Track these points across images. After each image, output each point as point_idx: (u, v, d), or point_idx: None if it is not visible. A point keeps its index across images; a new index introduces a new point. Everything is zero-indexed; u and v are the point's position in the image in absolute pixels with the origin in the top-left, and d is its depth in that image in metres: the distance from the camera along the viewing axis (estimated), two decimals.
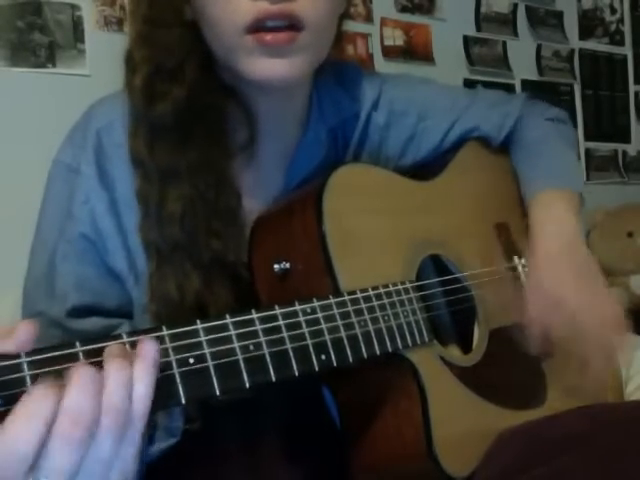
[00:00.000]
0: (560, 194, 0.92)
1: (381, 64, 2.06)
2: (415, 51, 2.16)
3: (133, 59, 0.73)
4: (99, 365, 0.49)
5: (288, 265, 0.73)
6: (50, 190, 0.79)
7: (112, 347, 0.50)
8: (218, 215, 0.74)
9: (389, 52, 2.11)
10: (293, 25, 0.69)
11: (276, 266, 0.73)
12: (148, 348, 0.50)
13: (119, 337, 0.52)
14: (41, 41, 1.54)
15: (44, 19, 1.54)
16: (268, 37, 0.69)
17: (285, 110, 0.82)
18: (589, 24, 2.64)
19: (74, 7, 1.58)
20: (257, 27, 0.69)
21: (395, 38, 2.13)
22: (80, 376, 0.46)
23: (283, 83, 0.73)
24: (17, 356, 0.46)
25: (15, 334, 0.48)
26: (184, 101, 0.72)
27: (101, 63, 1.53)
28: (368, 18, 2.07)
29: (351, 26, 2.25)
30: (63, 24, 1.56)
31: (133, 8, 0.75)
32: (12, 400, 0.44)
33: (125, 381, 0.48)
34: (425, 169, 0.95)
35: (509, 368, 0.87)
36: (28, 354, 0.46)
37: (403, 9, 2.15)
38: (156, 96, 0.72)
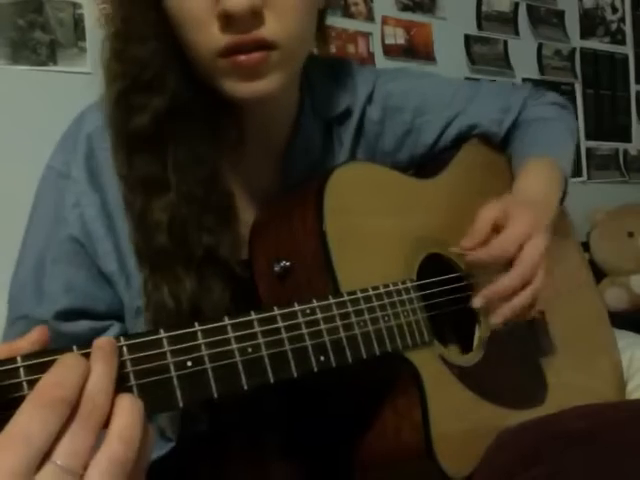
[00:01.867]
0: (546, 162, 0.93)
1: (382, 63, 2.06)
2: (416, 50, 2.16)
3: (106, 75, 0.73)
4: None
5: (288, 264, 0.73)
6: (40, 195, 0.79)
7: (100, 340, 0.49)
8: (209, 211, 0.74)
9: (390, 51, 2.11)
10: (265, 45, 0.69)
11: (276, 265, 0.73)
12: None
13: (116, 341, 0.51)
14: (42, 39, 1.53)
15: (45, 17, 1.54)
16: (242, 58, 0.68)
17: (273, 110, 0.81)
18: (590, 23, 2.63)
19: (75, 5, 1.58)
20: (230, 52, 0.68)
21: (396, 37, 2.13)
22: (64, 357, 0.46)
23: (263, 99, 0.72)
24: (14, 361, 0.46)
25: (29, 336, 0.48)
26: (165, 109, 0.72)
27: None
28: (369, 17, 2.07)
29: (352, 25, 2.24)
30: (64, 22, 1.56)
31: (107, 25, 0.74)
32: (9, 406, 0.44)
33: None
34: (426, 167, 0.95)
35: (509, 368, 0.87)
36: (24, 358, 0.46)
37: (404, 8, 2.15)
38: (132, 109, 0.71)
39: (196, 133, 0.74)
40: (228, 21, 0.67)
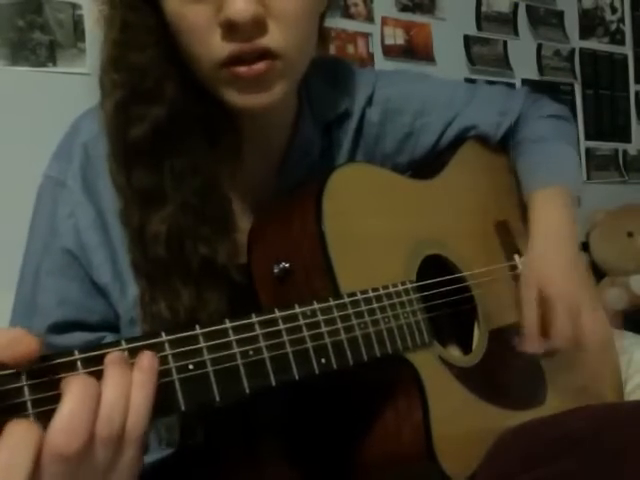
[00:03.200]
0: (557, 191, 0.93)
1: (382, 63, 2.06)
2: (416, 50, 2.16)
3: (104, 85, 0.72)
4: (98, 374, 0.48)
5: (288, 266, 0.72)
6: (38, 205, 0.79)
7: (113, 354, 0.50)
8: (206, 221, 0.73)
9: (390, 51, 2.11)
10: (267, 54, 0.68)
11: (275, 267, 0.73)
12: (147, 360, 0.50)
13: (118, 344, 0.51)
14: (41, 40, 1.53)
15: (44, 18, 1.54)
16: (244, 69, 0.68)
17: (272, 115, 0.80)
18: (590, 23, 2.63)
19: (75, 6, 1.58)
20: (232, 62, 0.68)
21: (396, 37, 2.13)
22: (74, 390, 0.46)
23: (265, 110, 0.72)
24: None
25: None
26: (165, 118, 0.71)
27: None
28: (369, 17, 2.07)
29: (352, 25, 2.23)
30: (64, 23, 1.56)
31: (104, 32, 0.73)
32: (9, 411, 0.44)
33: (124, 390, 0.48)
34: (425, 168, 0.95)
35: (509, 368, 0.87)
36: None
37: (404, 8, 2.15)
38: (131, 120, 0.70)
39: (194, 141, 0.73)
40: (231, 30, 0.66)
